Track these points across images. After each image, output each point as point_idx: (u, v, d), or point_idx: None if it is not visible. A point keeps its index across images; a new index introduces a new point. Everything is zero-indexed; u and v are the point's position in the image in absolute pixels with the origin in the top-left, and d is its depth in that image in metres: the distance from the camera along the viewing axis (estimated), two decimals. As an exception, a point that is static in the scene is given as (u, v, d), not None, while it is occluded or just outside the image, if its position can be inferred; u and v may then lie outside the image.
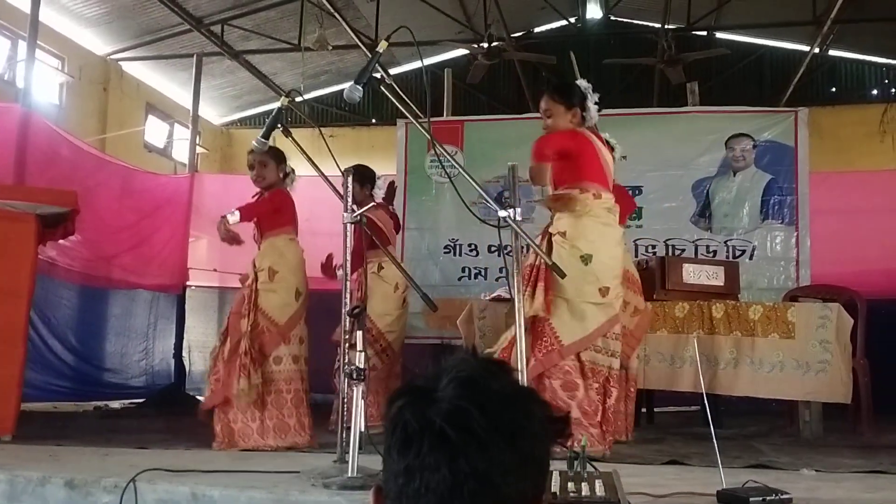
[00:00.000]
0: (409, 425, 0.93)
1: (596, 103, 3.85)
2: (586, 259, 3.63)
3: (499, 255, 7.00)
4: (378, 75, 2.89)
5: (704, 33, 10.71)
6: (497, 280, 6.92)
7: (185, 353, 8.68)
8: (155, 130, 12.19)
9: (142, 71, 11.63)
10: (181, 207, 8.21)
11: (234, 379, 4.08)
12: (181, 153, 12.25)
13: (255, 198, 4.50)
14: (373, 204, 4.58)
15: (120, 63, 11.18)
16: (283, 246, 4.35)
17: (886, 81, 12.02)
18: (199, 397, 8.33)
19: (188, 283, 8.52)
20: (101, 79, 10.95)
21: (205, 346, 9.50)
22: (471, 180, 2.84)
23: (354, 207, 3.08)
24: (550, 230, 3.75)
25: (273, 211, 4.34)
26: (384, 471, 0.98)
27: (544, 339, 3.58)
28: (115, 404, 7.60)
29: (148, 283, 8.14)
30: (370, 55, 2.89)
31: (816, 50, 10.33)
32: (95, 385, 7.87)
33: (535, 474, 0.95)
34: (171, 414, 6.68)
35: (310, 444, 4.17)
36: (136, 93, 11.60)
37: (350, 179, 3.02)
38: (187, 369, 8.75)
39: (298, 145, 3.17)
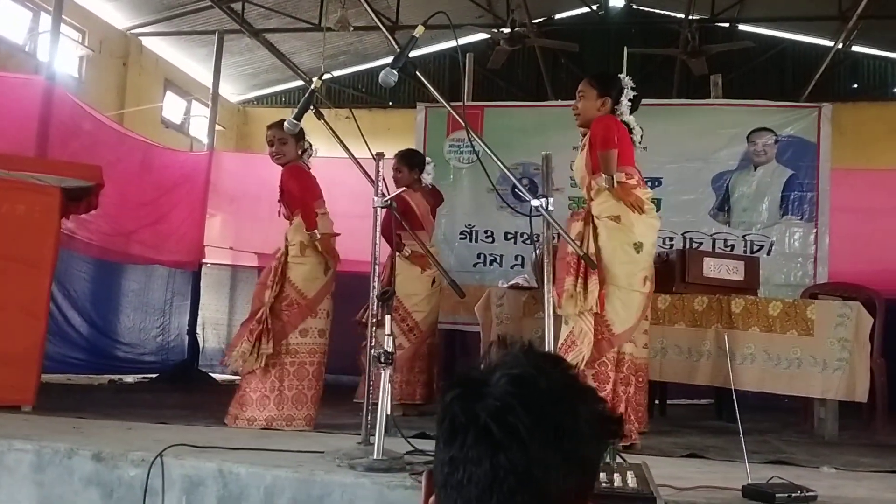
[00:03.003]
0: (457, 418, 0.96)
1: (631, 100, 3.85)
2: (638, 247, 3.68)
3: (515, 243, 7.00)
4: (410, 60, 2.88)
5: (727, 25, 10.63)
6: (512, 267, 6.92)
7: (199, 330, 8.73)
8: (172, 107, 12.20)
9: (161, 46, 11.62)
10: (199, 185, 8.23)
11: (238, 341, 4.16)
12: (198, 130, 12.28)
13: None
14: (403, 189, 4.60)
15: (140, 38, 11.18)
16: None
17: (909, 80, 11.94)
18: (212, 374, 8.42)
19: (204, 260, 8.56)
20: (121, 53, 10.95)
21: (218, 324, 9.57)
22: (503, 167, 2.84)
23: (385, 192, 3.08)
24: (595, 213, 3.75)
25: (301, 189, 4.35)
26: (434, 458, 1.00)
27: (594, 328, 3.59)
28: (129, 378, 7.66)
29: (165, 259, 8.18)
30: (390, 37, 2.89)
31: (840, 45, 10.24)
32: (110, 358, 7.93)
33: (580, 474, 0.96)
34: (184, 390, 6.74)
35: (309, 423, 4.21)
36: (154, 68, 11.60)
37: (391, 164, 3.01)
38: (201, 346, 8.81)
39: (330, 127, 3.17)
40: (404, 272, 5.23)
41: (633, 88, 3.87)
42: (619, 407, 3.60)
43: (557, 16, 12.12)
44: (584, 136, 3.93)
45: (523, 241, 7.00)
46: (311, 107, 3.18)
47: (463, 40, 11.49)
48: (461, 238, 7.20)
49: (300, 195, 4.33)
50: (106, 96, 10.42)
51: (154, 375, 7.89)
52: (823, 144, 6.70)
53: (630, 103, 3.87)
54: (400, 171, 5.43)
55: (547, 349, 2.89)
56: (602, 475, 2.00)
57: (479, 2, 10.63)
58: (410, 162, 5.52)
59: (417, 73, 2.91)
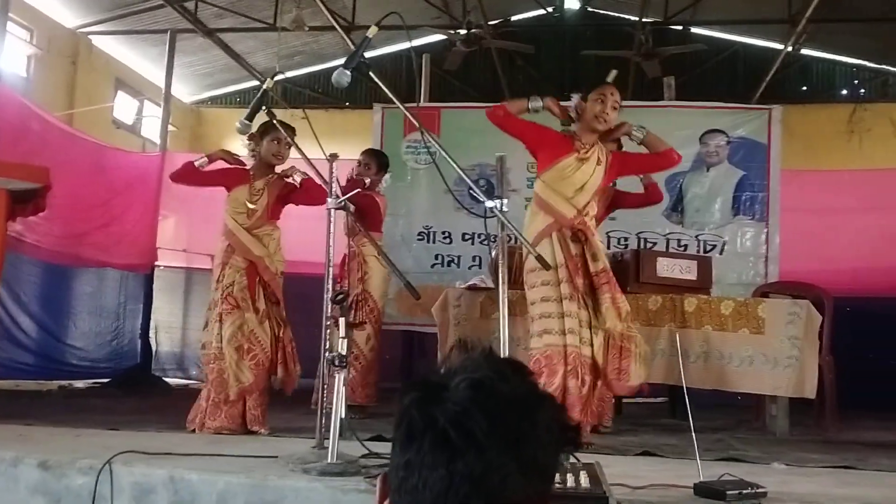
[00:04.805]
0: (415, 422, 0.94)
1: None
2: None
3: (472, 244, 7.01)
4: (365, 60, 2.87)
5: (681, 28, 10.78)
6: (470, 268, 6.93)
7: (152, 334, 8.60)
8: (124, 107, 11.97)
9: (112, 45, 11.39)
10: (151, 186, 8.10)
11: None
12: (150, 131, 12.07)
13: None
14: (358, 190, 4.59)
15: (90, 37, 10.95)
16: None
17: (856, 82, 12.19)
18: (165, 378, 8.29)
19: (157, 262, 8.43)
20: (70, 52, 10.71)
21: (172, 327, 9.42)
22: (458, 169, 2.83)
23: (338, 193, 3.06)
24: None
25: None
26: (390, 462, 0.99)
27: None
28: (80, 384, 7.51)
29: (117, 261, 8.04)
30: (346, 38, 2.88)
31: (790, 48, 10.43)
32: (61, 364, 7.78)
33: (537, 481, 0.95)
34: (137, 395, 6.63)
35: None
36: (105, 68, 11.37)
37: (347, 165, 2.99)
38: (154, 350, 8.67)
39: (286, 126, 3.14)
40: (378, 272, 5.34)
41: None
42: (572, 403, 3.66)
43: (514, 17, 12.14)
44: (592, 145, 4.00)
45: (481, 242, 7.01)
46: (263, 107, 3.15)
47: (419, 41, 11.48)
48: (419, 239, 7.19)
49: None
50: (55, 96, 10.20)
51: (106, 380, 7.74)
52: (774, 145, 6.82)
53: None
54: (369, 168, 5.48)
55: (502, 350, 2.89)
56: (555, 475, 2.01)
57: (435, 3, 10.62)
58: (380, 161, 5.61)
59: (371, 73, 2.90)
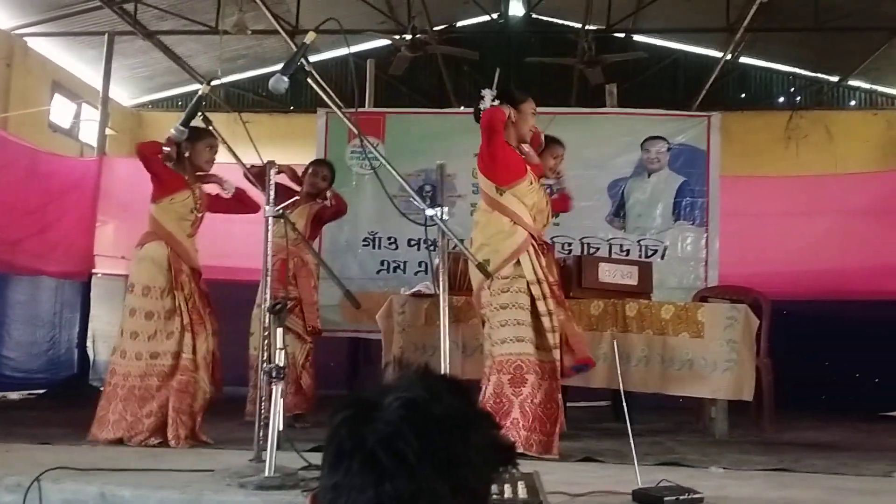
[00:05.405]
0: (344, 442, 0.92)
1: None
2: None
3: (419, 250, 6.98)
4: (302, 64, 2.83)
5: (623, 35, 10.92)
6: (416, 274, 6.90)
7: (89, 343, 8.38)
8: (61, 110, 11.66)
9: (48, 48, 11.09)
10: (88, 191, 7.91)
11: None
12: (88, 135, 11.77)
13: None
14: (296, 198, 4.55)
15: (25, 38, 10.65)
16: None
17: (792, 90, 12.51)
18: (102, 388, 8.06)
19: (94, 270, 8.22)
20: (4, 54, 10.40)
21: (110, 336, 9.16)
22: (397, 176, 2.81)
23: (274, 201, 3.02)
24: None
25: None
26: (319, 483, 0.97)
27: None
28: (14, 395, 7.28)
29: (53, 269, 7.80)
30: (290, 41, 2.84)
31: (729, 56, 10.65)
32: (-6, 375, 7.52)
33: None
34: (74, 406, 6.42)
35: None
36: (41, 70, 11.07)
37: (273, 172, 2.95)
38: (92, 359, 8.45)
39: (219, 135, 3.08)
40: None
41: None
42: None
43: (459, 23, 12.19)
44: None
45: (427, 248, 6.99)
46: (200, 112, 3.08)
47: (365, 46, 11.42)
48: (364, 245, 7.13)
49: None
50: (-12, 99, 9.90)
51: (42, 391, 7.52)
52: (713, 152, 6.94)
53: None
54: (325, 181, 5.53)
55: (443, 357, 2.87)
56: (493, 486, 2.00)
57: (380, 8, 10.59)
58: (333, 176, 5.67)
59: (310, 80, 2.86)
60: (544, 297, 3.92)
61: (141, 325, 4.20)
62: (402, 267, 7.08)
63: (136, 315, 4.23)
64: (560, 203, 5.29)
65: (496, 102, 4.00)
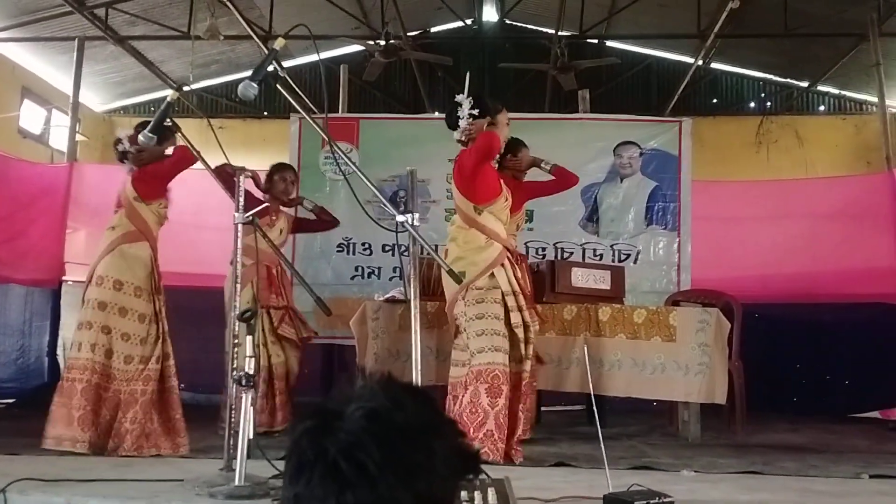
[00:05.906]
0: (305, 453, 0.92)
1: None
2: None
3: (393, 255, 6.96)
4: (273, 70, 2.82)
5: (596, 41, 11.01)
6: (391, 280, 6.88)
7: (59, 351, 8.25)
8: (31, 116, 11.53)
9: (18, 53, 10.97)
10: (59, 198, 7.79)
11: None
12: (59, 140, 11.64)
13: None
14: (266, 205, 4.52)
15: (-6, 43, 10.54)
16: None
17: (763, 95, 12.66)
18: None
19: (64, 277, 8.11)
20: (-27, 59, 10.29)
21: (81, 344, 9.06)
22: (368, 183, 2.80)
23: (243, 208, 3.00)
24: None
25: None
26: (281, 494, 0.96)
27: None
28: (-18, 405, 7.16)
29: (22, 277, 7.68)
30: (263, 47, 2.83)
31: (700, 62, 10.75)
32: (-40, 385, 7.40)
33: None
34: (43, 415, 6.32)
35: None
36: (11, 75, 10.94)
37: (241, 178, 2.93)
38: (62, 368, 8.33)
39: (188, 140, 3.06)
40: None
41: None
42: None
43: (433, 29, 12.20)
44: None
45: (402, 254, 6.96)
46: (167, 119, 3.06)
47: (339, 51, 11.41)
48: (338, 251, 7.09)
49: None
50: (-44, 105, 9.77)
51: (11, 401, 7.40)
52: (685, 157, 6.99)
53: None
54: (293, 184, 5.48)
55: (415, 363, 2.87)
56: (462, 493, 1.99)
57: (354, 13, 10.58)
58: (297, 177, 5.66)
59: (279, 86, 2.84)
60: (519, 309, 4.00)
61: (115, 322, 4.08)
62: (376, 273, 7.05)
63: (106, 309, 4.09)
64: (561, 178, 5.18)
65: (476, 112, 4.02)
